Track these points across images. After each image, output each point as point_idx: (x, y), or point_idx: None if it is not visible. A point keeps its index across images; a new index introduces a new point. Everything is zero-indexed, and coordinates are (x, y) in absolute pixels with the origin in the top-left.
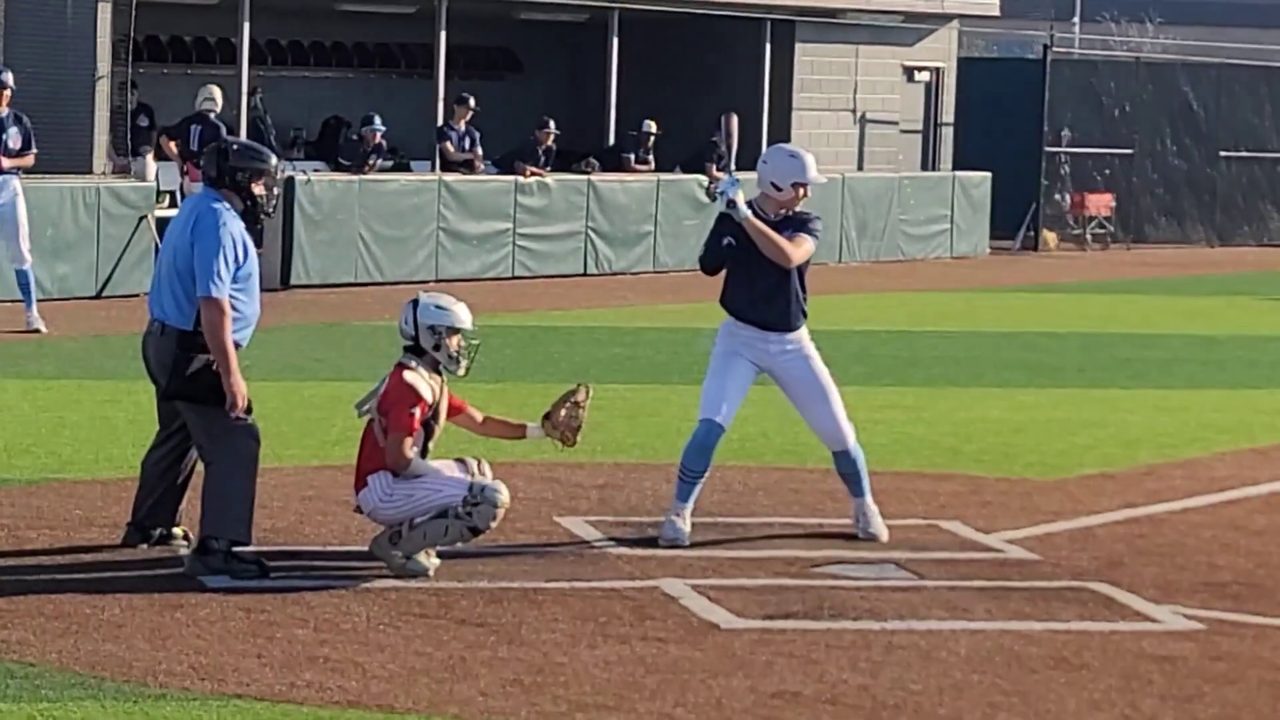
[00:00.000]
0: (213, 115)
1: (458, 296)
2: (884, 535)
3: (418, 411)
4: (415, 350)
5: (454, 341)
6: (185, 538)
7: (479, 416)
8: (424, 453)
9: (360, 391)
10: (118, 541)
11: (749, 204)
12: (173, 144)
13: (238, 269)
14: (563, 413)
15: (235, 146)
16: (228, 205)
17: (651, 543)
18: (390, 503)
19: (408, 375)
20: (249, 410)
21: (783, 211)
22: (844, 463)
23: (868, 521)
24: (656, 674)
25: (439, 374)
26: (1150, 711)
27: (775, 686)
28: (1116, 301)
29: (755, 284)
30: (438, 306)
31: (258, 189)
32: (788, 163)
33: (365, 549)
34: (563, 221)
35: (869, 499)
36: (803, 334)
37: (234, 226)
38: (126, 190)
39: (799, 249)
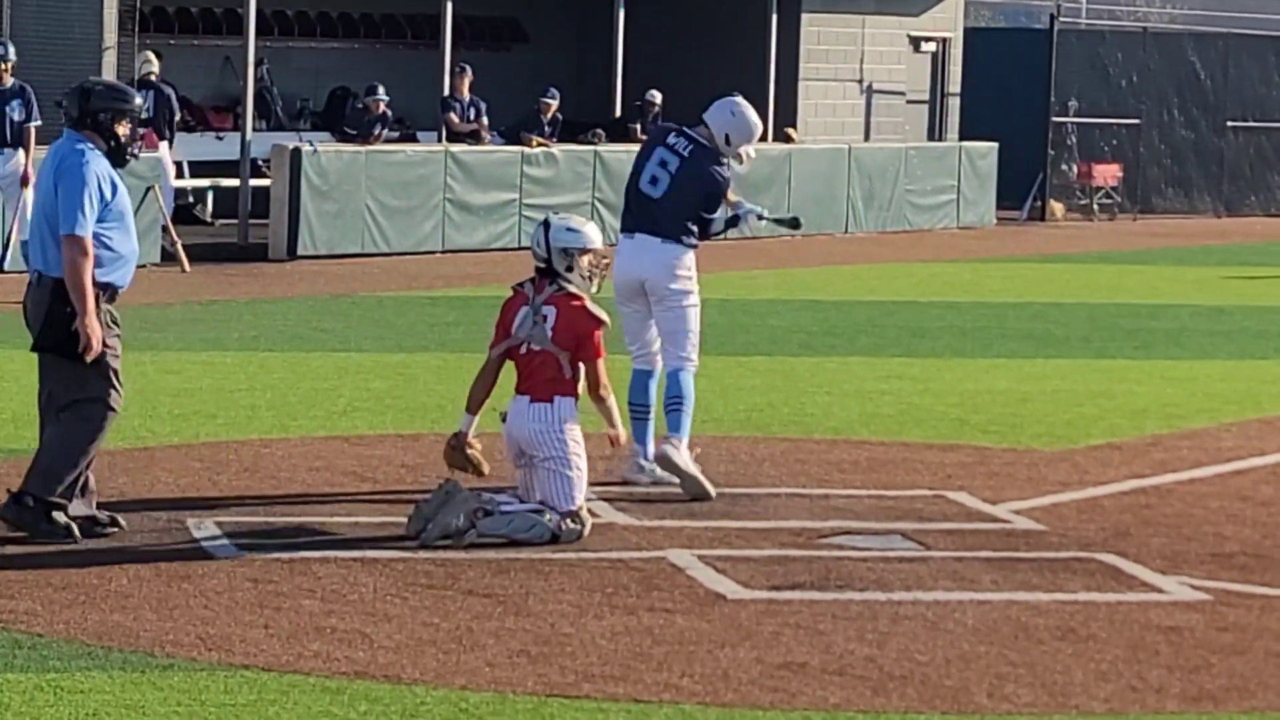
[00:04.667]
0: (153, 78)
1: (467, 265)
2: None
3: (600, 337)
4: (547, 272)
5: (585, 260)
6: (113, 523)
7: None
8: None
9: (367, 362)
10: (122, 513)
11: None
12: None
13: (105, 207)
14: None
15: (98, 87)
16: (91, 146)
17: (659, 514)
18: (551, 428)
19: (590, 306)
20: (117, 379)
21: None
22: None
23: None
24: (663, 645)
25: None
26: (1157, 682)
27: (782, 657)
28: (1123, 272)
29: None
30: (569, 229)
31: (121, 129)
32: (749, 129)
33: (372, 520)
34: (569, 192)
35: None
36: None
37: (98, 165)
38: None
39: None
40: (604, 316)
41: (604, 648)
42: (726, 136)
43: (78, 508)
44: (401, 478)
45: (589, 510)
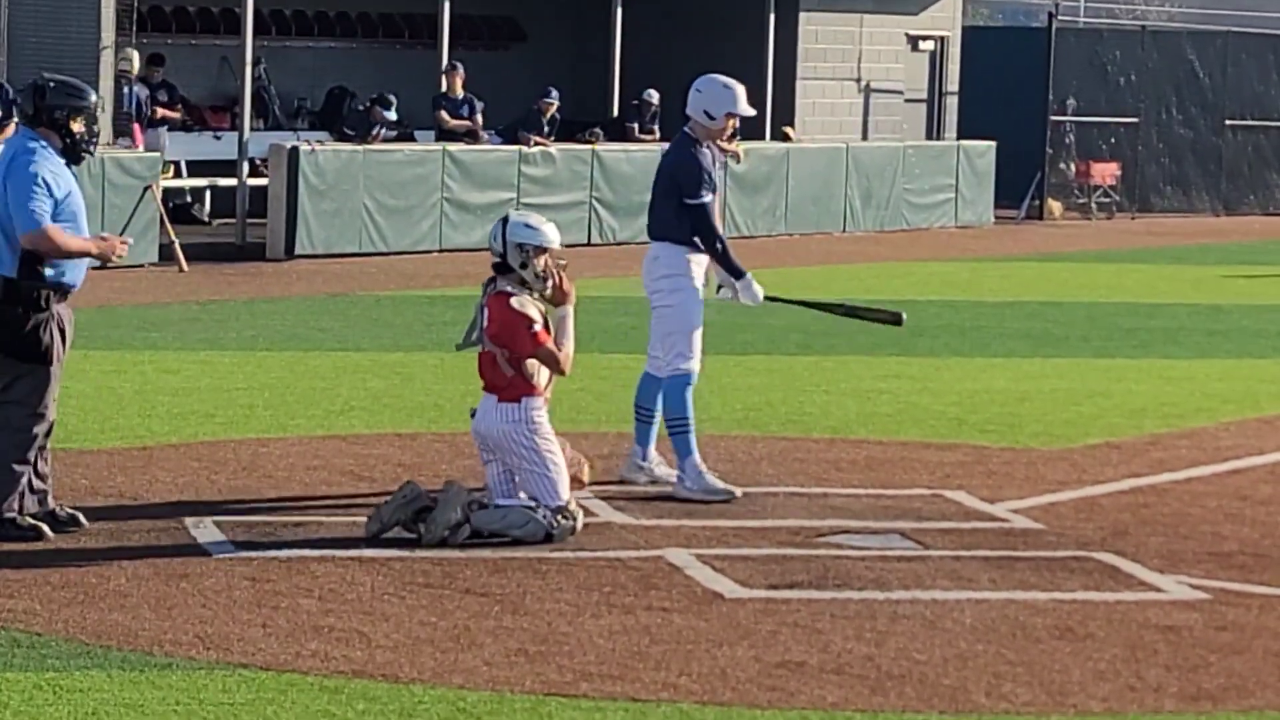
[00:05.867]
0: (131, 75)
1: (464, 264)
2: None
3: (539, 329)
4: (503, 268)
5: (541, 260)
6: (73, 521)
7: None
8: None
9: (364, 362)
10: (120, 512)
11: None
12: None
13: (57, 206)
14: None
15: (52, 84)
16: (45, 144)
17: (656, 513)
18: (519, 428)
19: (514, 302)
20: (55, 387)
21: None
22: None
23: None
24: (661, 644)
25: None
26: (1155, 681)
27: (780, 656)
28: (1122, 271)
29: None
30: (527, 225)
31: (76, 126)
32: (723, 93)
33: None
34: (567, 191)
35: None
36: None
37: (49, 164)
38: (131, 160)
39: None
40: (529, 313)
41: (601, 647)
42: (706, 113)
43: (33, 504)
44: (399, 477)
45: (577, 504)
